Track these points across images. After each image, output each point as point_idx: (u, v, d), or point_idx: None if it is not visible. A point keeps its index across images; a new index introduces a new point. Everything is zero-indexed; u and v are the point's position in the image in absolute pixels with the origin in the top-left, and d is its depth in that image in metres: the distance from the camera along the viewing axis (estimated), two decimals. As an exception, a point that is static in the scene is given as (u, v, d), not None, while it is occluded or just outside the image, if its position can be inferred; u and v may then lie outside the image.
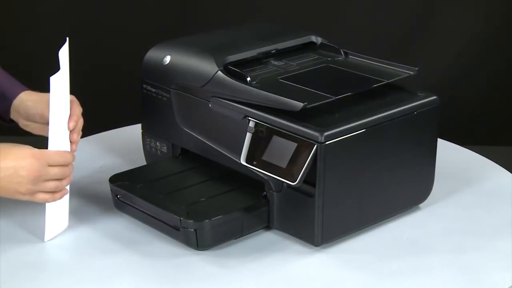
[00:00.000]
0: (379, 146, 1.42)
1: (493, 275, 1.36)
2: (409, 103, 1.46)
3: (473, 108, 3.27)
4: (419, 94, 1.50)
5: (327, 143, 1.34)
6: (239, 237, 1.44)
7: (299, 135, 1.36)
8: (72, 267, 1.37)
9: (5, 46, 3.10)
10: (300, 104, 1.36)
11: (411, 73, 1.54)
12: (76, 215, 1.51)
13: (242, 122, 1.44)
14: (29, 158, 1.35)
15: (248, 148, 1.42)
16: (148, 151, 1.65)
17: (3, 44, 3.12)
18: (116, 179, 1.51)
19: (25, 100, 1.51)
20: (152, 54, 1.59)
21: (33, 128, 1.52)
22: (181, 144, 1.58)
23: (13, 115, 1.54)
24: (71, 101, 1.43)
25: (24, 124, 1.53)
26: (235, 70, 1.49)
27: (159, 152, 1.62)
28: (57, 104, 1.38)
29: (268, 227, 1.46)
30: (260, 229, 1.46)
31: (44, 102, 1.47)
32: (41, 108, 1.48)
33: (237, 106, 1.45)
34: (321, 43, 1.66)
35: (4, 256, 1.39)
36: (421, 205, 1.55)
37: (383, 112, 1.43)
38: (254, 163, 1.41)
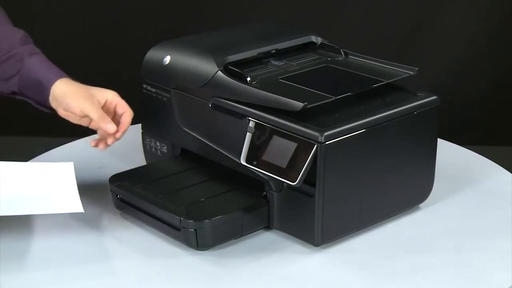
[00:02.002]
0: (379, 146, 1.42)
1: (493, 275, 1.36)
2: (409, 103, 1.46)
3: (473, 108, 3.27)
4: (419, 94, 1.50)
5: (327, 143, 1.34)
6: (239, 237, 1.44)
7: (299, 135, 1.36)
8: (72, 267, 1.37)
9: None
10: (300, 104, 1.36)
11: (411, 73, 1.54)
12: (76, 215, 1.51)
13: (242, 122, 1.44)
14: None
15: (248, 148, 1.42)
16: (148, 151, 1.65)
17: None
18: (116, 179, 1.51)
19: (64, 92, 1.51)
20: (152, 54, 1.59)
21: (72, 117, 1.53)
22: (181, 144, 1.58)
23: (53, 103, 1.54)
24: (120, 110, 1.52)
25: (63, 113, 1.53)
26: (235, 70, 1.49)
27: (159, 152, 1.62)
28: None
29: (268, 227, 1.46)
30: (260, 229, 1.46)
31: (83, 97, 1.49)
32: (82, 104, 1.49)
33: (237, 106, 1.45)
34: (321, 43, 1.66)
35: (4, 256, 1.39)
36: (421, 205, 1.55)
37: (383, 112, 1.43)
38: (254, 163, 1.41)
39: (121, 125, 1.51)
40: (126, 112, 1.52)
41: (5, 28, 1.58)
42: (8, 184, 1.48)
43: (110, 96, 1.53)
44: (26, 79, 1.53)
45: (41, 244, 1.43)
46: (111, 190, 1.51)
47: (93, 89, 1.53)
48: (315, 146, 1.34)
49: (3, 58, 1.54)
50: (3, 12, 1.63)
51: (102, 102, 1.52)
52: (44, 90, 1.52)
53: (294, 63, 1.58)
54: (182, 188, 1.51)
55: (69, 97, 1.50)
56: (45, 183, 1.50)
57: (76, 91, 1.51)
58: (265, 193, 1.44)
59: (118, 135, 1.51)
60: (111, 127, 1.49)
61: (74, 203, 1.43)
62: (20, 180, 1.50)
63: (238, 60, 1.52)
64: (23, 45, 1.56)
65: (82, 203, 1.46)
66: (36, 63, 1.54)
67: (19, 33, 1.58)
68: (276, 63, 1.58)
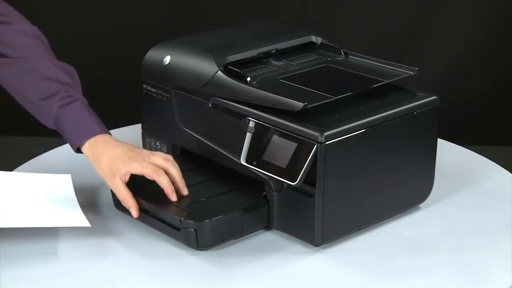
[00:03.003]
0: (379, 146, 1.42)
1: (493, 275, 1.36)
2: (409, 103, 1.46)
3: (473, 108, 3.27)
4: (419, 94, 1.50)
5: (327, 143, 1.34)
6: (239, 237, 1.44)
7: (299, 135, 1.36)
8: (72, 267, 1.37)
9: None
10: (300, 104, 1.36)
11: (411, 73, 1.54)
12: (76, 215, 1.51)
13: (242, 122, 1.44)
14: None
15: (248, 148, 1.42)
16: (148, 151, 1.64)
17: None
18: None
19: (87, 156, 1.49)
20: (152, 54, 1.59)
21: None
22: (181, 144, 1.58)
23: None
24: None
25: None
26: (235, 70, 1.49)
27: (159, 152, 1.62)
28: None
29: (268, 227, 1.46)
30: (260, 229, 1.46)
31: (106, 176, 1.45)
32: (106, 180, 1.46)
33: (237, 106, 1.45)
34: (321, 43, 1.66)
35: (3, 256, 1.39)
36: (421, 205, 1.55)
37: (383, 112, 1.43)
38: (254, 163, 1.41)
39: (165, 191, 1.44)
40: (156, 179, 1.43)
41: (47, 70, 1.53)
42: (6, 195, 1.48)
43: (134, 171, 1.44)
44: (58, 129, 1.51)
45: (40, 244, 1.43)
46: (111, 190, 1.51)
47: (117, 161, 1.44)
48: (315, 146, 1.34)
49: (41, 103, 1.51)
50: (46, 46, 1.58)
51: (127, 177, 1.44)
52: (71, 147, 1.51)
53: (294, 63, 1.58)
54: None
55: (94, 165, 1.48)
56: (45, 196, 1.49)
57: (98, 167, 1.47)
58: (265, 193, 1.44)
59: (172, 199, 1.44)
60: (133, 212, 1.43)
61: (78, 217, 1.43)
62: (18, 191, 1.50)
63: (238, 60, 1.53)
64: (57, 93, 1.50)
65: (82, 203, 1.47)
66: (65, 119, 1.50)
67: (58, 78, 1.52)
68: (276, 63, 1.58)
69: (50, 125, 1.53)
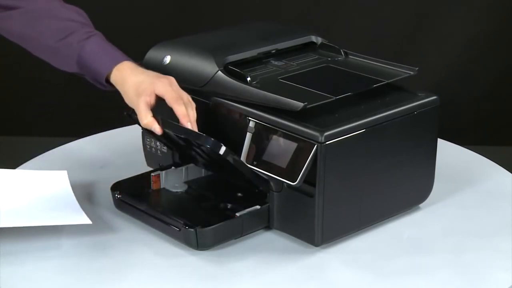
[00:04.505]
0: (379, 146, 1.43)
1: (493, 275, 1.36)
2: (409, 103, 1.47)
3: (473, 108, 3.27)
4: (419, 94, 1.50)
5: (327, 143, 1.34)
6: (239, 237, 1.44)
7: (299, 135, 1.36)
8: (71, 267, 1.37)
9: (6, 46, 3.10)
10: (300, 104, 1.36)
11: (411, 73, 1.54)
12: (76, 215, 1.51)
13: (242, 122, 1.44)
14: None
15: (248, 148, 1.42)
16: (148, 151, 1.64)
17: (4, 44, 3.11)
18: (117, 187, 1.50)
19: (115, 83, 1.47)
20: (152, 54, 1.59)
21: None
22: (181, 144, 1.58)
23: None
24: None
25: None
26: (235, 70, 1.49)
27: (159, 152, 1.62)
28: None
29: (268, 227, 1.46)
30: (260, 229, 1.46)
31: (130, 97, 1.44)
32: (130, 102, 1.45)
33: (237, 106, 1.45)
34: (321, 43, 1.66)
35: (3, 254, 1.39)
36: (421, 205, 1.55)
37: (383, 112, 1.43)
38: (254, 163, 1.41)
39: (179, 119, 1.41)
40: (173, 107, 1.40)
41: (61, 12, 1.53)
42: (3, 193, 1.48)
43: (158, 91, 1.42)
44: (82, 66, 1.50)
45: (40, 244, 1.43)
46: (111, 189, 1.51)
47: (143, 83, 1.44)
48: (315, 146, 1.34)
49: (60, 44, 1.50)
50: None
51: (152, 100, 1.42)
52: (99, 79, 1.50)
53: (294, 63, 1.58)
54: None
55: (121, 93, 1.47)
56: (43, 193, 1.49)
57: (125, 93, 1.46)
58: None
59: (186, 126, 1.40)
60: (156, 130, 1.41)
61: (79, 215, 1.43)
62: (15, 189, 1.49)
63: (238, 60, 1.52)
64: (74, 31, 1.51)
65: (81, 203, 1.47)
66: (87, 53, 1.49)
67: (73, 18, 1.54)
68: (276, 63, 1.58)
69: (72, 67, 1.51)
